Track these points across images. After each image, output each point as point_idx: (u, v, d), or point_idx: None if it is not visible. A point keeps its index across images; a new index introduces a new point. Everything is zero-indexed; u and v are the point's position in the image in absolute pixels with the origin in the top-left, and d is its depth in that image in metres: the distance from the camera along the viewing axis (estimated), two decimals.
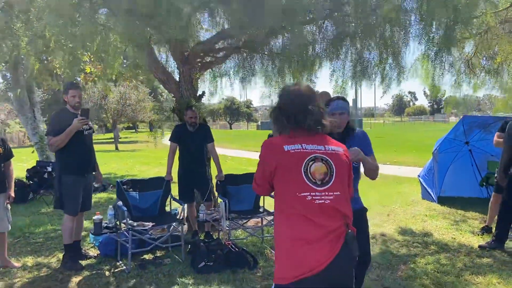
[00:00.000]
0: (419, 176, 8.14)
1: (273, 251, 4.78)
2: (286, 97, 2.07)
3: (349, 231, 1.87)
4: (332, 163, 1.92)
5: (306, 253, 1.79)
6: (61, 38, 4.80)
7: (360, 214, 3.04)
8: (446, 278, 4.00)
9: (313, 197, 1.84)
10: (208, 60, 5.80)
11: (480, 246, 4.84)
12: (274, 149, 1.96)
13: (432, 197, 7.45)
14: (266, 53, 5.29)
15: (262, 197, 5.24)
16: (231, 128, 59.83)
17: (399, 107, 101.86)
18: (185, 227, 5.65)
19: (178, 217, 5.82)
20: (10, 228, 4.42)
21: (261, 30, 5.02)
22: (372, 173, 3.00)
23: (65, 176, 4.33)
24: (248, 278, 4.02)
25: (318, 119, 1.98)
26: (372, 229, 5.72)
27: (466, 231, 5.56)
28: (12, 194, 4.35)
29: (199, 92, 5.72)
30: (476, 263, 4.38)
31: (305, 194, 1.84)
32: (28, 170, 7.95)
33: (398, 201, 7.62)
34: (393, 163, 14.29)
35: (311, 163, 1.88)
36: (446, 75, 6.89)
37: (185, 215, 5.33)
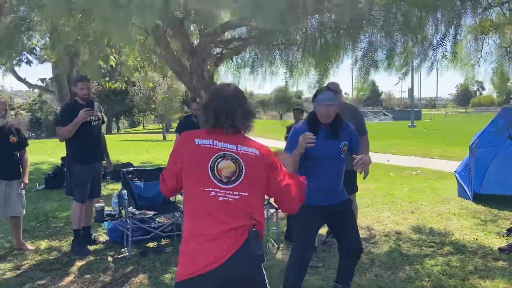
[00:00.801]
0: (455, 172, 7.64)
1: (275, 244, 4.74)
2: (209, 96, 2.05)
3: (254, 229, 1.80)
4: (242, 163, 1.87)
5: (203, 249, 1.76)
6: (76, 32, 4.96)
7: (344, 206, 3.11)
8: (450, 281, 3.73)
9: (217, 194, 1.82)
10: (223, 52, 5.78)
11: (499, 248, 4.46)
12: (186, 141, 1.95)
13: (468, 195, 6.96)
14: (275, 44, 5.17)
15: None
16: (281, 119, 59.76)
17: (464, 97, 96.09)
18: None
19: None
20: (24, 212, 4.70)
21: (274, 20, 4.93)
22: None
23: (74, 165, 4.55)
24: None
25: (235, 121, 1.93)
26: (389, 226, 5.49)
27: (492, 232, 5.15)
28: (26, 181, 4.62)
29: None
30: (489, 266, 4.04)
31: (209, 189, 1.82)
32: (62, 158, 8.45)
33: (429, 197, 7.21)
34: (441, 157, 13.56)
35: (219, 160, 1.86)
36: (482, 63, 6.41)
37: None
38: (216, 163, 1.85)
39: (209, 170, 1.84)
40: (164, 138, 25.04)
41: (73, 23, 4.60)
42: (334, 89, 3.04)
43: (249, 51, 6.03)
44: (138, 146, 19.67)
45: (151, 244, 4.80)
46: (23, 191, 4.64)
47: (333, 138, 2.97)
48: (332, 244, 4.72)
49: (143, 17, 3.24)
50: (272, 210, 4.90)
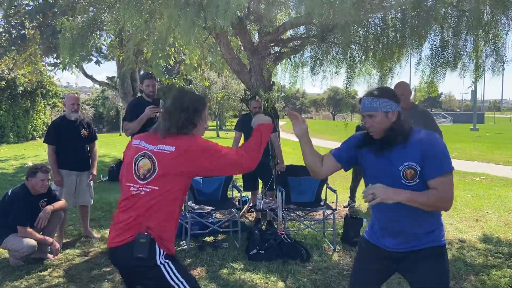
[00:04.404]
0: None
1: (331, 246, 4.68)
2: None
3: (144, 233, 1.98)
4: (155, 161, 2.05)
5: (111, 230, 2.12)
6: (142, 32, 5.16)
7: (420, 256, 2.15)
8: None
9: (132, 187, 2.07)
10: (281, 51, 5.79)
11: None
12: (129, 142, 2.28)
13: None
14: (338, 42, 5.09)
15: (324, 190, 5.13)
16: (333, 119, 58.79)
17: None
18: (253, 214, 5.81)
19: (247, 204, 6.02)
20: (92, 202, 4.98)
21: (336, 17, 4.87)
22: (430, 207, 2.05)
23: None
24: (296, 270, 3.99)
25: (170, 128, 2.09)
26: (451, 234, 5.24)
27: None
28: (95, 173, 4.89)
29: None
30: None
31: (129, 184, 2.08)
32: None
33: (494, 205, 6.80)
34: (507, 163, 12.74)
35: (140, 158, 2.09)
36: None
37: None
38: (138, 160, 2.08)
39: (133, 167, 2.09)
40: (218, 135, 25.58)
41: (140, 23, 4.79)
42: (376, 94, 2.13)
43: (307, 50, 5.99)
44: None
45: (208, 239, 4.92)
46: (92, 182, 4.91)
47: (385, 155, 2.13)
48: None
49: (216, 18, 3.29)
50: (328, 211, 4.84)
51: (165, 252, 2.04)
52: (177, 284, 2.03)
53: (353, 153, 2.27)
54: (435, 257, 2.15)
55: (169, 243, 2.08)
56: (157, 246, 2.01)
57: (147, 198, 2.02)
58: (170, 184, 2.03)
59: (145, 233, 1.98)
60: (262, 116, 2.32)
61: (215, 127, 29.01)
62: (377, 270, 2.27)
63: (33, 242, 3.96)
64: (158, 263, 2.01)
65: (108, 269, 4.00)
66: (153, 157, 2.05)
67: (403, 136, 2.09)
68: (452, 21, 5.32)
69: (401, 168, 2.06)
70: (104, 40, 9.90)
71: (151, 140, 2.12)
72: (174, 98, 2.20)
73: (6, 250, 4.13)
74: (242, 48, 5.78)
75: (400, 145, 2.08)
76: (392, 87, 4.65)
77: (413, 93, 6.88)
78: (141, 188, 2.04)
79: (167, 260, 2.04)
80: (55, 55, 9.66)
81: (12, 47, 9.18)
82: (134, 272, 2.06)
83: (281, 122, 37.99)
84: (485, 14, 5.20)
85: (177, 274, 2.05)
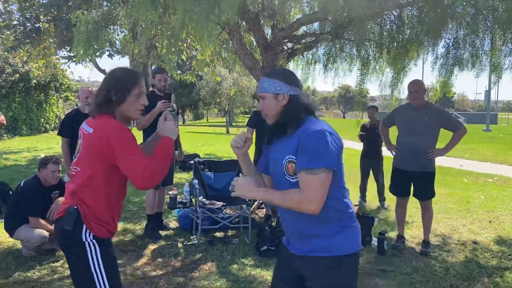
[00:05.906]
0: None
1: None
2: None
3: (74, 207, 2.00)
4: (81, 142, 2.10)
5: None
6: (155, 26, 5.15)
7: (315, 265, 1.85)
8: None
9: (72, 168, 2.14)
10: (294, 47, 5.75)
11: None
12: None
13: None
14: (352, 39, 5.03)
15: None
16: (344, 117, 58.51)
17: None
18: (263, 210, 5.80)
19: (258, 201, 6.00)
20: None
21: (351, 13, 4.81)
22: (294, 208, 1.76)
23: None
24: None
25: (95, 107, 2.10)
26: (464, 235, 5.18)
27: None
28: None
29: None
30: None
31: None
32: None
33: (508, 207, 6.70)
34: None
35: (79, 139, 2.14)
36: None
37: None
38: (78, 142, 2.14)
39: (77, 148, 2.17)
40: (228, 131, 25.62)
41: (154, 17, 4.79)
42: (268, 73, 1.95)
43: (321, 46, 5.94)
44: (203, 138, 20.23)
45: (218, 234, 4.92)
46: None
47: (280, 147, 1.88)
48: (403, 249, 4.55)
49: (221, 12, 3.28)
50: None
51: (92, 233, 1.98)
52: (96, 273, 1.96)
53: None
54: (326, 270, 1.81)
55: (99, 225, 2.01)
56: (84, 223, 1.98)
57: (77, 178, 2.05)
58: (92, 167, 2.00)
59: (74, 207, 2.00)
60: (169, 125, 2.11)
61: (225, 123, 29.11)
62: (289, 276, 1.98)
63: (44, 232, 3.99)
64: (83, 239, 1.96)
65: (120, 261, 4.02)
66: (82, 138, 2.09)
67: (291, 124, 1.82)
68: (469, 20, 5.23)
69: (284, 161, 1.82)
70: (118, 35, 9.96)
71: (89, 121, 2.11)
72: (104, 77, 2.17)
73: (19, 241, 4.18)
74: (255, 44, 5.75)
75: (288, 135, 1.83)
76: (406, 86, 4.60)
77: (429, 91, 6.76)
78: (74, 168, 2.10)
79: (94, 241, 1.98)
80: (69, 48, 9.73)
81: (27, 40, 9.26)
82: (63, 246, 2.08)
83: None
84: (501, 12, 5.10)
85: (100, 261, 1.97)
